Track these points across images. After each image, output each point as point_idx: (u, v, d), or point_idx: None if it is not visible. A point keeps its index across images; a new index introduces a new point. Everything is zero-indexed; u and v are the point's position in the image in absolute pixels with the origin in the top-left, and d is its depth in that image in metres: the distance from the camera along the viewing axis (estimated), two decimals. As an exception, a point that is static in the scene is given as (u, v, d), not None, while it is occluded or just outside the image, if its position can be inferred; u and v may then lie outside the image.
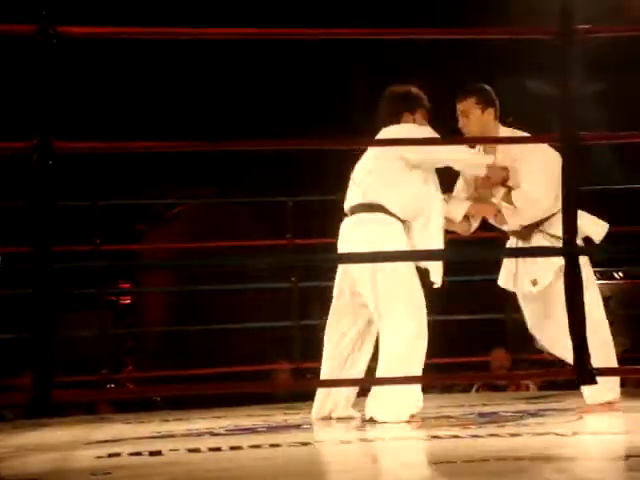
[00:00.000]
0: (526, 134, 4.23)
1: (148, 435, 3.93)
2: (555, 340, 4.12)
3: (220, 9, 7.95)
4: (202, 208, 9.46)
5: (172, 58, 8.11)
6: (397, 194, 4.10)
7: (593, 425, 3.65)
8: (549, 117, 8.11)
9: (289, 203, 6.00)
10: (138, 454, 3.22)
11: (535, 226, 4.20)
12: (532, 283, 4.19)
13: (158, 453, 3.20)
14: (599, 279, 8.75)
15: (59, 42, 2.54)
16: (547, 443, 3.35)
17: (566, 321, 4.07)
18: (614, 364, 3.84)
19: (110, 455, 3.23)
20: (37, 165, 2.47)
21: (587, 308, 3.98)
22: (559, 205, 4.10)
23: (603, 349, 3.86)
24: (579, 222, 3.95)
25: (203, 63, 8.52)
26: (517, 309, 4.46)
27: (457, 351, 5.82)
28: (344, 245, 4.16)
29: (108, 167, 8.15)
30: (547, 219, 4.16)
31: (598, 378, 3.71)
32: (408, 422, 3.92)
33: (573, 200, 2.82)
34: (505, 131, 4.26)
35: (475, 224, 4.36)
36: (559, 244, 4.01)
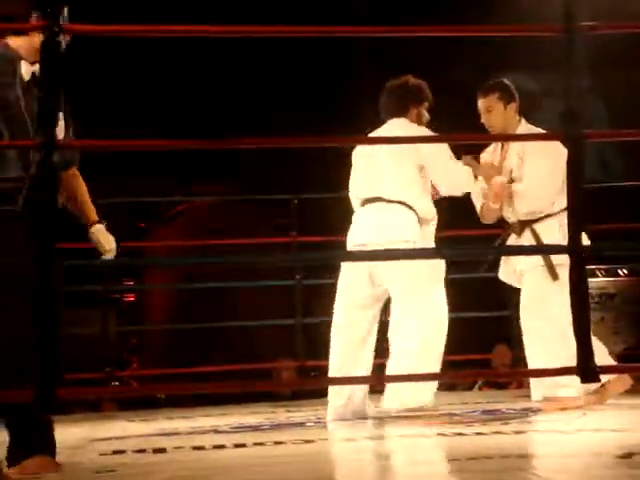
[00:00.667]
0: (541, 130, 4.25)
1: (152, 432, 3.93)
2: None
3: (222, 5, 7.95)
4: (207, 206, 9.46)
5: (176, 55, 8.11)
6: (417, 194, 4.14)
7: (596, 422, 3.65)
8: (537, 113, 8.10)
9: (294, 200, 6.00)
10: (142, 451, 3.23)
11: (529, 223, 4.21)
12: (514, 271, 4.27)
13: (162, 450, 3.21)
14: (604, 276, 8.80)
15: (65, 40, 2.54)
16: (550, 440, 3.35)
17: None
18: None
19: (114, 452, 3.24)
20: (41, 162, 2.47)
21: (558, 314, 4.06)
22: (559, 206, 4.18)
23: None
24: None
25: (204, 60, 8.51)
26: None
27: (459, 349, 5.80)
28: (361, 234, 4.13)
29: (112, 164, 8.15)
30: (542, 219, 4.17)
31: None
32: (419, 415, 3.95)
33: (578, 198, 2.81)
34: (525, 125, 4.30)
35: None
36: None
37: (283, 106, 9.04)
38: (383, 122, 4.30)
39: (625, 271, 8.93)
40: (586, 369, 2.59)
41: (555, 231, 4.15)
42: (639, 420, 3.64)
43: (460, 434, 3.44)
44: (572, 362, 3.57)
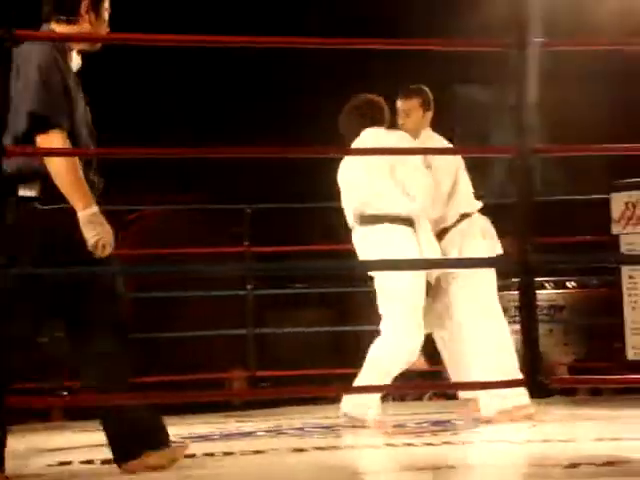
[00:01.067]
0: (445, 142, 4.29)
1: (100, 443, 3.87)
2: None
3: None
4: (160, 214, 9.39)
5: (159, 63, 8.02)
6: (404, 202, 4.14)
7: (545, 433, 3.69)
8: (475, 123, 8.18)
9: (247, 210, 5.98)
10: (90, 462, 3.19)
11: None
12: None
13: (110, 462, 3.17)
14: (553, 288, 8.89)
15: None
16: (499, 450, 3.38)
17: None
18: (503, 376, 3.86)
19: (61, 463, 3.20)
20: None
21: (477, 322, 4.10)
22: (454, 216, 4.20)
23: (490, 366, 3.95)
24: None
25: (159, 69, 8.46)
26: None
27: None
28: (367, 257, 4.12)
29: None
30: (444, 232, 4.23)
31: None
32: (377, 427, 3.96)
33: (527, 211, 2.83)
34: (430, 135, 4.34)
35: None
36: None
37: (241, 115, 9.01)
38: (347, 139, 4.28)
39: (574, 283, 9.05)
40: (534, 382, 2.61)
41: (455, 242, 4.19)
42: (587, 431, 3.68)
43: (410, 444, 3.45)
44: (504, 373, 3.66)
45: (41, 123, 2.74)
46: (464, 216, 4.26)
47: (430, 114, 4.38)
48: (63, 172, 2.72)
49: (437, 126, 4.44)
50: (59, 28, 2.91)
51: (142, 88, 8.81)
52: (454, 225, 4.24)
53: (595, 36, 7.18)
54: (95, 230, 2.75)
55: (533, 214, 2.74)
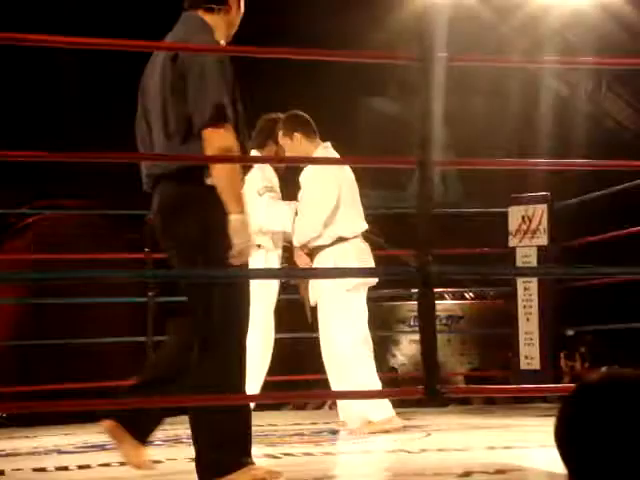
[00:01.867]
0: (336, 154, 4.31)
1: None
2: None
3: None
4: (58, 218, 9.20)
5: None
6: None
7: (440, 442, 3.75)
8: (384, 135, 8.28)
9: (146, 216, 5.90)
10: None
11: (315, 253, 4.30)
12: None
13: (0, 473, 3.08)
14: (452, 299, 9.07)
15: None
16: (396, 460, 3.42)
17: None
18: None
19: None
20: None
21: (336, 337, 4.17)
22: (330, 237, 4.24)
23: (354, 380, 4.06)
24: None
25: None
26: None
27: (308, 368, 5.84)
28: None
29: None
30: (321, 248, 4.26)
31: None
32: None
33: (427, 223, 2.87)
34: (321, 150, 4.32)
35: None
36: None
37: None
38: None
39: (471, 294, 9.24)
40: (431, 391, 2.65)
41: (327, 263, 4.20)
42: (481, 440, 3.75)
43: (309, 454, 3.46)
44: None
45: (218, 116, 2.61)
46: (340, 240, 4.27)
47: (298, 134, 4.30)
48: (223, 173, 2.62)
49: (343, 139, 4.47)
50: (206, 17, 2.76)
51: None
52: (328, 246, 4.25)
53: (500, 53, 7.37)
54: (244, 237, 2.65)
55: (433, 225, 2.78)
